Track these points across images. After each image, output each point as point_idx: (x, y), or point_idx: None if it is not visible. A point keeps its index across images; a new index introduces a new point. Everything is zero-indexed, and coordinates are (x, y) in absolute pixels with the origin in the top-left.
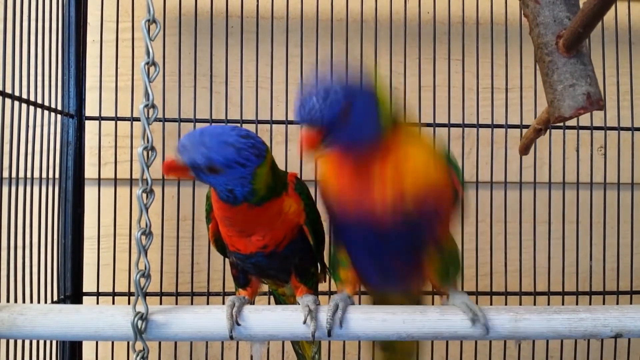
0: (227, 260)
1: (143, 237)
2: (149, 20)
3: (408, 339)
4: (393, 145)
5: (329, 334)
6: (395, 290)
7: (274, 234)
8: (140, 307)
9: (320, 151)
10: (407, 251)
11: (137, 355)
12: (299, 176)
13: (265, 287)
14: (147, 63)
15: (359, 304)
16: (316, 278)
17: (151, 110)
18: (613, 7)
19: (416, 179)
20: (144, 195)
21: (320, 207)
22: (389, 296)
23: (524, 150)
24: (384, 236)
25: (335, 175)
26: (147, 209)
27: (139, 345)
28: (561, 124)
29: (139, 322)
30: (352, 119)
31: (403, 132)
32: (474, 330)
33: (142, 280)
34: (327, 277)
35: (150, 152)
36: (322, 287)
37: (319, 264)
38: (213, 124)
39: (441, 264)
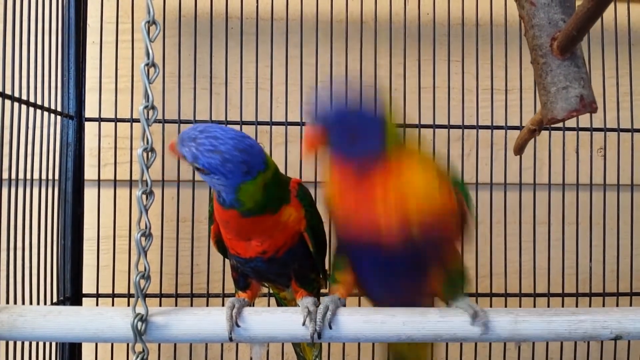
0: (227, 261)
1: (143, 239)
2: (148, 22)
3: (407, 341)
4: (398, 165)
5: (319, 336)
6: (398, 304)
7: (272, 241)
8: (140, 309)
9: (321, 151)
10: (411, 271)
11: (137, 357)
12: (300, 181)
13: (265, 289)
14: (147, 64)
15: (359, 305)
16: (317, 284)
17: (151, 112)
18: (612, 9)
19: (421, 202)
20: (144, 196)
21: (322, 209)
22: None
23: (519, 150)
24: (387, 256)
25: (340, 193)
26: (146, 211)
27: (138, 347)
28: (561, 125)
29: (139, 324)
30: (357, 129)
31: (409, 154)
32: (473, 331)
33: (142, 282)
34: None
35: (149, 153)
36: (323, 288)
37: (315, 274)
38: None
39: (447, 281)
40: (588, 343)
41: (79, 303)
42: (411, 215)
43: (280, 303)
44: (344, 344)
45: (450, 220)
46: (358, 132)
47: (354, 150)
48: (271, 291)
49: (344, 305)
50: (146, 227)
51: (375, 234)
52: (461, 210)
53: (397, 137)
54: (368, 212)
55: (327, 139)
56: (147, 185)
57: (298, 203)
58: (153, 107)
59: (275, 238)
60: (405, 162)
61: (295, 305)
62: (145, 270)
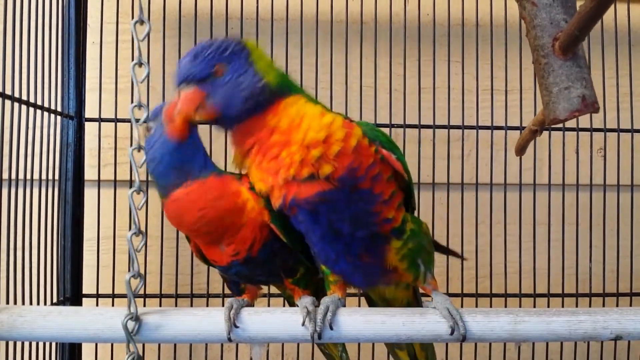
0: None
1: (135, 238)
2: (138, 21)
3: (407, 342)
4: (289, 109)
5: (320, 337)
6: (375, 285)
7: (240, 238)
8: (132, 308)
9: (200, 114)
10: (357, 234)
11: (128, 357)
12: None
13: (265, 289)
14: (137, 64)
15: (359, 305)
16: (311, 278)
17: (142, 110)
18: (612, 9)
19: (319, 138)
20: (136, 195)
21: None
22: (381, 293)
23: (520, 151)
24: (326, 218)
25: (249, 164)
26: (144, 209)
27: (132, 347)
28: (561, 125)
29: (130, 323)
30: (228, 78)
31: (303, 99)
32: (473, 332)
33: (134, 281)
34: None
35: (138, 151)
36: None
37: (304, 267)
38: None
39: (406, 252)
40: (588, 343)
41: (79, 303)
42: (311, 149)
43: (289, 302)
44: (344, 344)
45: (361, 160)
46: (227, 75)
47: (226, 92)
48: (277, 291)
49: (344, 305)
50: (136, 226)
51: (298, 193)
52: (389, 166)
53: (271, 78)
54: (271, 160)
55: (203, 99)
56: (137, 184)
57: (255, 194)
58: (142, 106)
59: (243, 233)
60: (295, 104)
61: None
62: (136, 269)
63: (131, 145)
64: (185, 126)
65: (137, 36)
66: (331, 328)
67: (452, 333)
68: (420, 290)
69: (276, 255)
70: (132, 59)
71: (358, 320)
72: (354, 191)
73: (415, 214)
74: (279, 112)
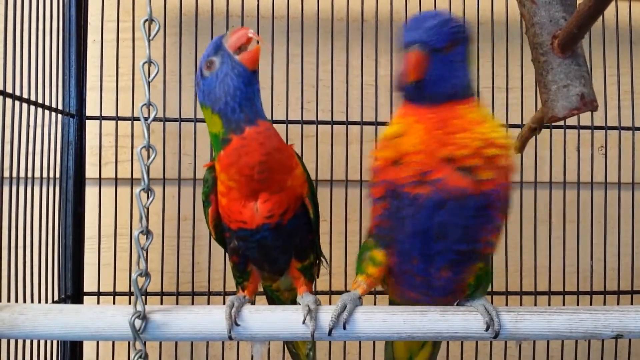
0: (227, 259)
1: (142, 237)
2: (147, 20)
3: (408, 340)
4: (480, 108)
5: (330, 334)
6: (427, 301)
7: (278, 200)
8: (139, 307)
9: (421, 78)
10: (457, 246)
11: (136, 355)
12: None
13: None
14: (146, 62)
15: (374, 304)
16: (314, 269)
17: (150, 109)
18: (613, 7)
19: (492, 149)
20: (143, 194)
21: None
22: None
23: (519, 149)
24: (444, 217)
25: (411, 132)
26: (147, 209)
27: (138, 345)
28: (562, 123)
29: (137, 322)
30: (452, 59)
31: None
32: (474, 330)
33: (141, 280)
34: (320, 271)
35: (149, 151)
36: (323, 286)
37: (314, 255)
38: None
39: (480, 273)
40: (589, 341)
41: (80, 301)
42: (482, 155)
43: (272, 298)
44: (344, 342)
45: (508, 177)
46: (453, 54)
47: (445, 73)
48: (263, 287)
49: (361, 304)
50: (141, 225)
51: (445, 179)
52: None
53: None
54: (441, 144)
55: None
56: (145, 183)
57: (300, 166)
58: (152, 105)
59: (282, 196)
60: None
61: (289, 296)
62: (143, 268)
63: (132, 144)
64: (259, 56)
65: (147, 35)
66: (344, 328)
67: (487, 329)
68: None
69: (299, 231)
70: (133, 57)
71: (360, 319)
72: (485, 206)
73: None
74: (470, 107)
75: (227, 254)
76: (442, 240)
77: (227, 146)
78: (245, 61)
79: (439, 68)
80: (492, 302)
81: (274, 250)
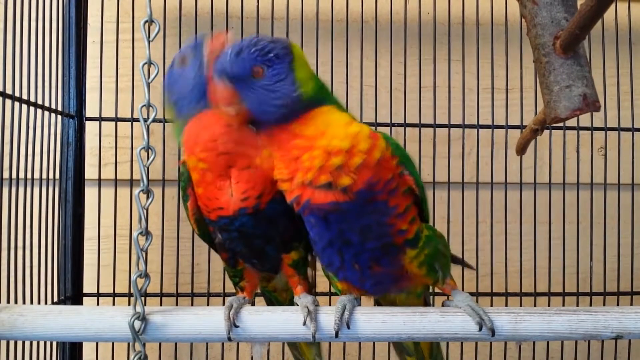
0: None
1: (141, 238)
2: (147, 21)
3: (408, 340)
4: (317, 118)
5: (337, 335)
6: (386, 292)
7: (251, 177)
8: (138, 308)
9: (235, 108)
10: (368, 244)
11: (135, 356)
12: None
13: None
14: (146, 63)
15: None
16: (307, 265)
17: (150, 110)
18: (613, 8)
19: (342, 147)
20: (142, 195)
21: None
22: (391, 299)
23: (521, 150)
24: (337, 226)
25: (274, 160)
26: (146, 210)
27: (138, 346)
28: (561, 124)
29: (136, 323)
30: (265, 83)
31: (334, 109)
32: (474, 331)
33: (140, 281)
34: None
35: (149, 152)
36: (323, 287)
37: (302, 247)
38: None
39: (423, 259)
40: (589, 342)
41: (80, 302)
42: (337, 169)
43: (270, 299)
44: (344, 343)
45: (380, 173)
46: (265, 78)
47: (261, 95)
48: (260, 288)
49: (360, 304)
50: (141, 226)
51: (312, 199)
52: (405, 181)
53: (309, 86)
54: (292, 172)
55: (238, 94)
56: (144, 184)
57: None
58: (151, 106)
59: (254, 175)
60: (327, 113)
61: (287, 297)
62: (142, 269)
63: (132, 145)
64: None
65: (147, 36)
66: (348, 327)
67: (480, 329)
68: (436, 290)
69: (280, 218)
70: (133, 58)
71: (360, 320)
72: (368, 204)
73: None
74: (307, 121)
75: (217, 253)
76: (349, 246)
77: (185, 127)
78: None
79: (252, 96)
80: (492, 304)
81: (256, 239)
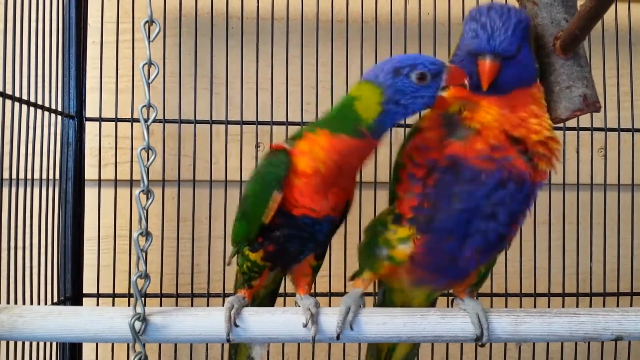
0: (227, 260)
1: (141, 238)
2: (148, 22)
3: (409, 342)
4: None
5: (338, 338)
6: (439, 283)
7: (344, 196)
8: (138, 309)
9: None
10: (500, 229)
11: (136, 357)
12: None
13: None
14: (146, 64)
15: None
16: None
17: (150, 111)
18: (613, 8)
19: (556, 143)
20: (142, 196)
21: None
22: (414, 294)
23: None
24: (501, 198)
25: (481, 110)
26: (146, 210)
27: (138, 347)
28: (561, 124)
29: (137, 324)
30: (522, 58)
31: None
32: (474, 335)
33: (140, 282)
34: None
35: (149, 152)
36: (323, 288)
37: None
38: (213, 125)
39: (488, 269)
40: (588, 344)
41: (80, 303)
42: (552, 151)
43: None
44: (344, 344)
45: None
46: (521, 56)
47: (515, 73)
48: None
49: (364, 305)
50: (141, 226)
51: (513, 161)
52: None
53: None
54: (513, 126)
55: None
56: (144, 184)
57: None
58: (151, 107)
59: (347, 189)
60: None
61: (263, 294)
62: (142, 270)
63: (132, 145)
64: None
65: (147, 36)
66: (351, 328)
67: (476, 340)
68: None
69: (336, 228)
70: (133, 59)
71: (361, 321)
72: (531, 195)
73: None
74: (539, 93)
75: (241, 246)
76: (490, 220)
77: (354, 137)
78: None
79: (510, 71)
80: (491, 304)
81: (313, 242)
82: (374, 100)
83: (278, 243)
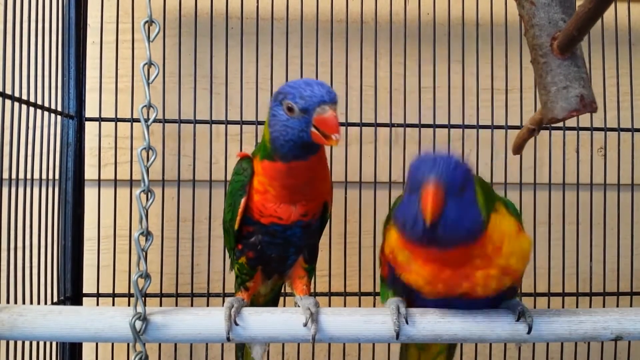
0: (227, 261)
1: (142, 238)
2: (147, 22)
3: (408, 342)
4: (494, 235)
5: (397, 337)
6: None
7: (314, 200)
8: (139, 308)
9: (437, 217)
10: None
11: (136, 357)
12: None
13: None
14: (146, 64)
15: (359, 305)
16: (314, 271)
17: (150, 111)
18: (612, 8)
19: (518, 269)
20: (143, 195)
21: None
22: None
23: (517, 150)
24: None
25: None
26: (146, 210)
27: (138, 347)
28: (561, 124)
29: (137, 323)
30: (464, 201)
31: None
32: (473, 332)
33: (141, 281)
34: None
35: (149, 152)
36: (323, 288)
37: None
38: (213, 125)
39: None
40: (588, 343)
41: (80, 303)
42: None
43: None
44: (344, 344)
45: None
46: (465, 194)
47: (457, 211)
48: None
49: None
50: (141, 226)
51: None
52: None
53: (483, 205)
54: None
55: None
56: (145, 184)
57: (328, 171)
58: (152, 107)
59: (316, 198)
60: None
61: (262, 302)
62: (143, 269)
63: (132, 145)
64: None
65: (147, 36)
66: (407, 322)
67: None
68: None
69: (316, 232)
70: (132, 59)
71: (360, 321)
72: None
73: None
74: (485, 242)
75: (230, 252)
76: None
77: (271, 161)
78: (313, 134)
79: (455, 210)
80: None
81: (293, 247)
82: (266, 123)
83: (256, 250)
